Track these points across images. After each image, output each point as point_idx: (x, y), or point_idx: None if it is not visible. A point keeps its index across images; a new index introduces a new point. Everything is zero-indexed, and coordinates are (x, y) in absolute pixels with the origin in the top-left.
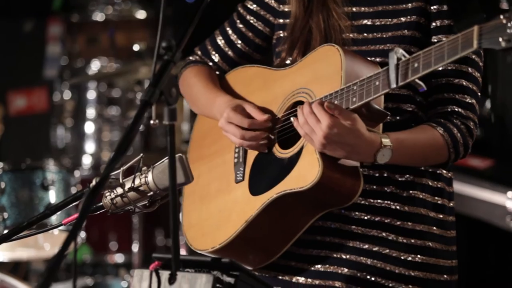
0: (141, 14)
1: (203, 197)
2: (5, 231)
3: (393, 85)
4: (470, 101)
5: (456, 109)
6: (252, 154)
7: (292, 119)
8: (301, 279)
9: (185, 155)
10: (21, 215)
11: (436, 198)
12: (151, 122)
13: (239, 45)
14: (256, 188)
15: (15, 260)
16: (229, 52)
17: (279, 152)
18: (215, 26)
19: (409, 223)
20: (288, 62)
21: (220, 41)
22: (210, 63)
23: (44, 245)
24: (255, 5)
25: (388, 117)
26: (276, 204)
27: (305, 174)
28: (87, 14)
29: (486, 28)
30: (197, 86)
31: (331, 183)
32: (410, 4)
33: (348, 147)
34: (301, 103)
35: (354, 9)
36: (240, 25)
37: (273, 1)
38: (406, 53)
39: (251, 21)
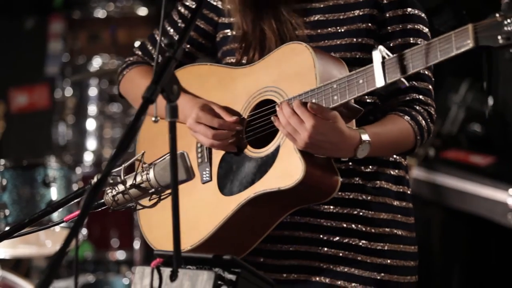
0: (142, 11)
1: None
2: (7, 228)
3: (381, 84)
4: (428, 88)
5: (417, 96)
6: (217, 154)
7: (272, 118)
8: (271, 275)
9: (186, 152)
10: (23, 212)
11: (398, 186)
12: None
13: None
14: (228, 189)
15: (16, 257)
16: None
17: (251, 152)
18: None
19: (377, 213)
20: (244, 61)
21: None
22: (153, 64)
23: (45, 242)
24: (196, 4)
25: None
26: (251, 203)
27: (287, 173)
28: (89, 11)
29: (481, 26)
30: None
31: (313, 181)
32: None
33: (331, 145)
34: (268, 102)
35: (304, 5)
36: (183, 25)
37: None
38: (389, 52)
39: None
